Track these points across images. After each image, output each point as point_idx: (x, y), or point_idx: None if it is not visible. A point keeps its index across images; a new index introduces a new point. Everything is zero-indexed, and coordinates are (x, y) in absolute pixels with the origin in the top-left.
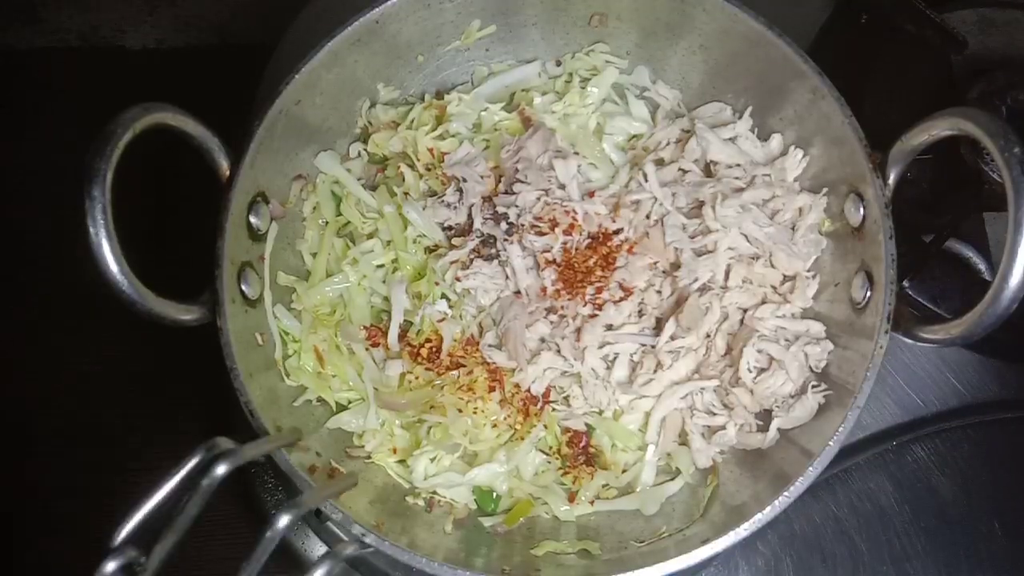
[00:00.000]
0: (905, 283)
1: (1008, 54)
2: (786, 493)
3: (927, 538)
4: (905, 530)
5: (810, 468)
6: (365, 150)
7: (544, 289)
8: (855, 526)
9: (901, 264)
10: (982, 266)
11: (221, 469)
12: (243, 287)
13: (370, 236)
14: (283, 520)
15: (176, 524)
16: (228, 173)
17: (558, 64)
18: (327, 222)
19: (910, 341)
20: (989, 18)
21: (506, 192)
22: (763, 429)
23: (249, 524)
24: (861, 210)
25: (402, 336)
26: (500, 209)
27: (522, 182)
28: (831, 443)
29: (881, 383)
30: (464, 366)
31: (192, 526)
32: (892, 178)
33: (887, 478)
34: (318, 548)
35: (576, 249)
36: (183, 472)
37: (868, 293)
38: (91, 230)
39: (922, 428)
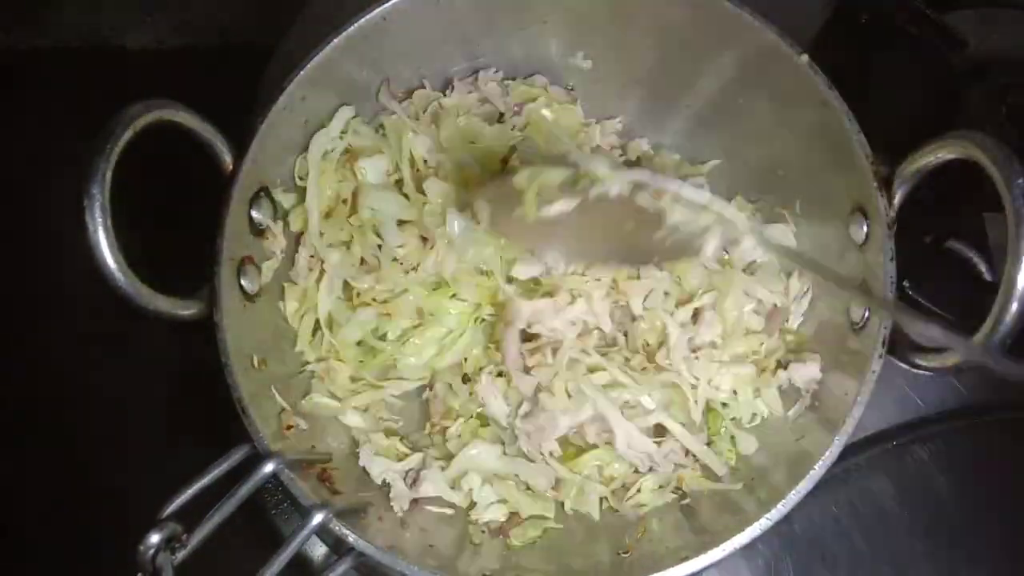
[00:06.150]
0: (905, 283)
1: (1008, 54)
2: (768, 516)
3: (927, 538)
4: (905, 530)
5: (792, 493)
6: None
7: None
8: (855, 526)
9: (901, 265)
10: (982, 266)
11: (268, 467)
12: (243, 282)
13: None
14: (317, 518)
15: (223, 507)
16: (231, 168)
17: None
18: None
19: (904, 367)
20: (989, 18)
21: None
22: None
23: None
24: (864, 228)
25: None
26: None
27: None
28: (816, 467)
29: (881, 383)
30: None
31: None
32: (898, 199)
33: (887, 478)
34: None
35: None
36: (231, 461)
37: (866, 314)
38: (89, 227)
39: (922, 428)
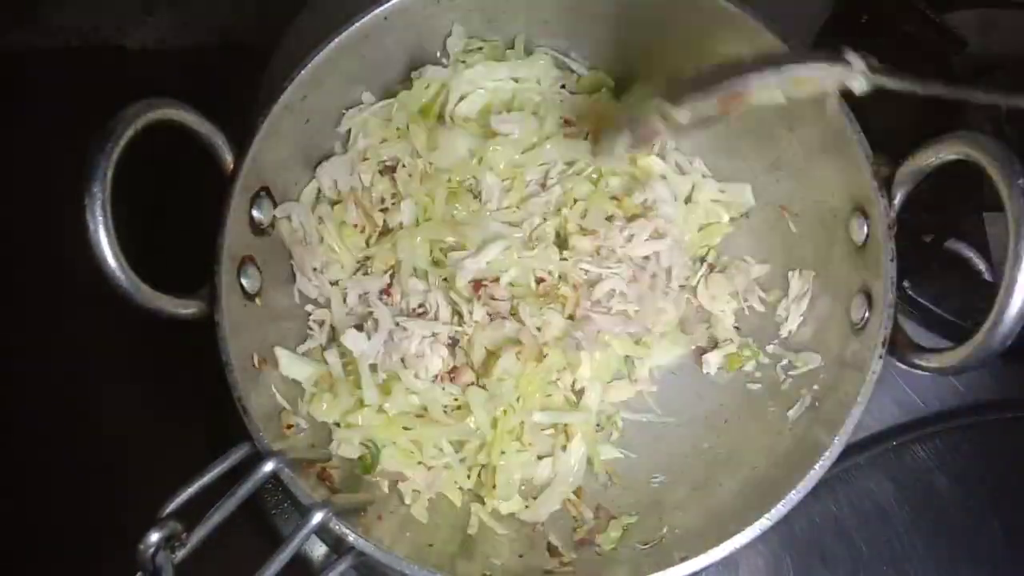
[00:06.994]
0: (905, 283)
1: (1008, 54)
2: (767, 516)
3: (927, 538)
4: (905, 530)
5: (792, 493)
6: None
7: None
8: (855, 526)
9: (901, 265)
10: (982, 266)
11: (268, 466)
12: (243, 281)
13: None
14: (317, 517)
15: (223, 506)
16: (232, 167)
17: None
18: None
19: (905, 367)
20: (989, 18)
21: None
22: None
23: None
24: (865, 229)
25: None
26: None
27: None
28: (816, 467)
29: (881, 383)
30: None
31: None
32: (898, 199)
33: (887, 478)
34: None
35: None
36: (231, 460)
37: (866, 314)
38: (90, 225)
39: (922, 428)
